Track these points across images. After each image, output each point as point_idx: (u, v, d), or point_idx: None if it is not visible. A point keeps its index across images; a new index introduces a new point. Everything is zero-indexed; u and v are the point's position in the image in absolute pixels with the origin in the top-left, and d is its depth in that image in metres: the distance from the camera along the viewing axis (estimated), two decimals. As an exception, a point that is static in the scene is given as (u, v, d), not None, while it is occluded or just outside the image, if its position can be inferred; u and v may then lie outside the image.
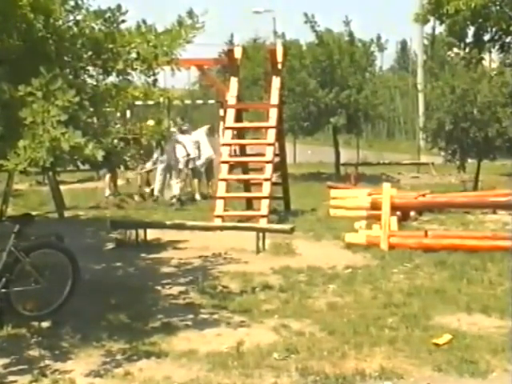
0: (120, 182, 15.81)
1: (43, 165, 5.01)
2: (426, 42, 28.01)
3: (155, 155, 14.29)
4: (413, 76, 29.68)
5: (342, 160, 21.09)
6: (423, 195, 11.67)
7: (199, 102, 26.23)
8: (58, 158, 5.19)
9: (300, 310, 6.78)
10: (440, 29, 21.72)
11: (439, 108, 16.13)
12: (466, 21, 17.74)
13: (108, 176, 15.25)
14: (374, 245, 9.54)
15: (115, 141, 6.61)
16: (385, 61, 43.96)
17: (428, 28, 26.62)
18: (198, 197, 14.83)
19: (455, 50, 18.97)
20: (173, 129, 14.06)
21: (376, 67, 22.53)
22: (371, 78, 20.40)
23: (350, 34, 19.77)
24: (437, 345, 5.70)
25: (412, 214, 11.86)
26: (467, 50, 18.24)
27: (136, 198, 14.68)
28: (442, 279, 7.88)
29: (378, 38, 21.37)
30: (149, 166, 14.76)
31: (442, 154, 16.72)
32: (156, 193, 14.24)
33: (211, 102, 24.97)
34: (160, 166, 14.25)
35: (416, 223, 11.64)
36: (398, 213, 10.91)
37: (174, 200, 13.82)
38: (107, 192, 15.18)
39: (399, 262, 8.72)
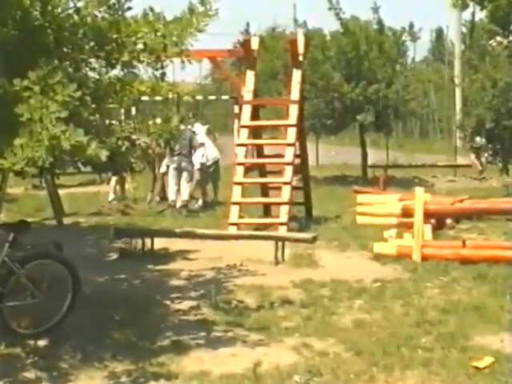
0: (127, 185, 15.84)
1: (42, 165, 5.04)
2: (464, 29, 27.88)
3: (167, 157, 14.32)
4: (449, 68, 29.61)
5: (370, 162, 21.05)
6: (461, 201, 11.60)
7: (212, 97, 26.33)
8: (57, 158, 5.22)
9: (323, 327, 6.76)
10: (480, 15, 21.59)
11: (479, 104, 16.08)
12: (510, 6, 17.63)
13: (114, 179, 15.31)
14: (405, 256, 9.49)
15: (119, 140, 6.64)
16: (418, 51, 43.93)
17: (467, 14, 26.53)
18: (200, 202, 14.86)
19: (498, 38, 18.84)
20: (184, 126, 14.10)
21: (408, 58, 22.56)
22: (402, 70, 20.38)
23: (379, 22, 19.76)
24: (477, 368, 5.66)
25: (448, 221, 11.80)
26: (511, 38, 18.12)
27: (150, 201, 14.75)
28: (481, 294, 7.83)
29: (411, 25, 21.52)
30: (163, 169, 14.79)
31: (473, 155, 16.61)
32: (171, 197, 14.21)
33: (225, 97, 25.09)
34: (171, 166, 14.25)
35: (452, 232, 11.58)
36: (433, 220, 10.86)
37: (181, 206, 13.88)
38: (111, 196, 15.24)
39: (434, 275, 8.67)
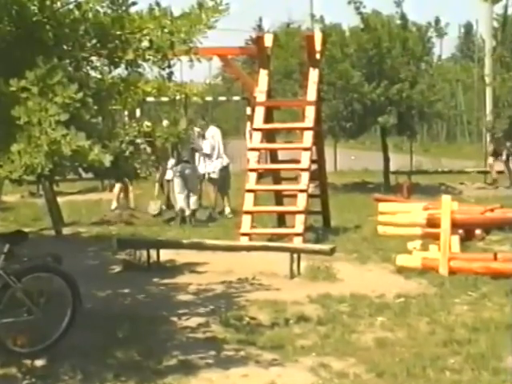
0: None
1: (41, 172, 5.05)
2: (495, 24, 27.75)
3: (171, 161, 14.30)
4: (479, 66, 29.45)
5: (392, 167, 21.01)
6: (491, 210, 11.56)
7: (222, 98, 26.37)
8: (57, 164, 5.23)
9: (342, 346, 6.74)
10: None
11: (511, 104, 16.01)
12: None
13: (118, 186, 15.32)
14: (431, 269, 9.47)
15: (124, 144, 6.66)
16: (444, 48, 43.73)
17: (499, 7, 26.40)
18: (228, 210, 14.88)
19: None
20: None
21: (434, 56, 22.45)
22: (428, 69, 20.33)
23: (403, 17, 19.73)
24: (509, 391, 5.63)
25: (477, 232, 11.76)
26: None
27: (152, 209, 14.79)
28: (514, 311, 7.80)
29: (437, 20, 21.34)
30: (170, 175, 14.82)
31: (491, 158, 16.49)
32: (181, 204, 14.19)
33: (236, 98, 25.13)
34: (176, 174, 14.25)
35: (482, 244, 11.53)
36: (461, 231, 10.82)
37: (189, 215, 13.91)
38: (114, 205, 15.27)
39: (462, 291, 8.64)
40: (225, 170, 15.21)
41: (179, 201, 14.21)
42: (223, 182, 15.21)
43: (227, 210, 14.92)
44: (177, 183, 14.23)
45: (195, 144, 14.25)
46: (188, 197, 14.10)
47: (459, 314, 7.75)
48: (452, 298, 8.39)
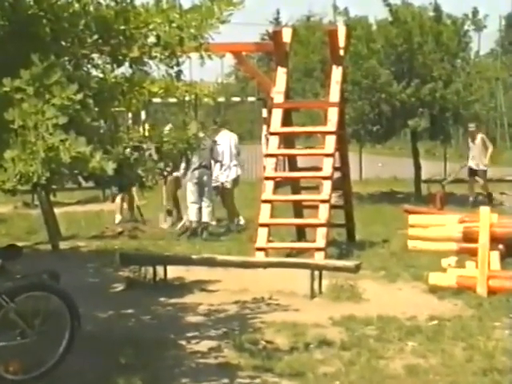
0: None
1: (37, 181, 5.07)
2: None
3: (183, 165, 14.28)
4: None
5: (424, 175, 20.96)
6: (535, 222, 11.48)
7: (235, 99, 26.45)
8: (55, 172, 5.25)
9: (369, 374, 6.73)
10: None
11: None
12: None
13: (120, 197, 15.36)
14: (467, 289, 9.43)
15: (128, 150, 6.68)
16: (483, 43, 43.70)
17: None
18: (242, 221, 14.89)
19: None
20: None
21: (471, 52, 22.39)
22: (464, 66, 20.28)
23: (436, 9, 19.74)
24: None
25: (519, 247, 11.69)
26: None
27: (164, 222, 14.82)
28: (561, 336, 7.76)
29: (474, 12, 21.44)
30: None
31: None
32: (193, 217, 14.20)
33: (251, 99, 25.19)
34: (191, 182, 14.25)
35: (525, 260, 11.48)
36: (501, 246, 10.76)
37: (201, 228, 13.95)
38: (118, 218, 15.29)
39: (502, 313, 8.61)
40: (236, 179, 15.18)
41: (191, 212, 14.19)
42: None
43: (239, 220, 14.93)
44: (192, 191, 14.19)
45: (214, 152, 14.30)
46: (201, 208, 14.10)
47: (500, 339, 7.71)
48: (491, 320, 8.35)
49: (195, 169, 14.04)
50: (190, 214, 14.24)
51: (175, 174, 14.48)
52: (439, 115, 19.12)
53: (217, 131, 15.03)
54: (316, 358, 7.15)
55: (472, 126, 18.79)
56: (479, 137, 18.78)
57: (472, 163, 19.01)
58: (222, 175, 14.95)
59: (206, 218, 14.16)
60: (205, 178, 14.14)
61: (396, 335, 7.82)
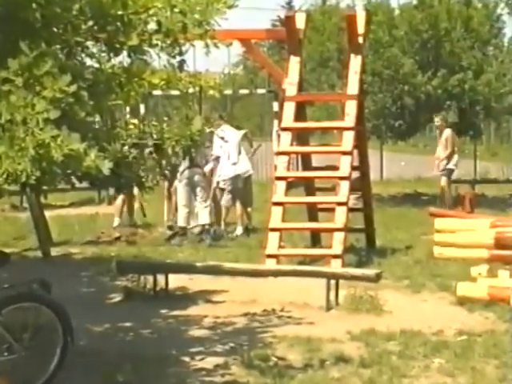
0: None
1: (26, 181, 5.08)
2: None
3: (183, 165, 14.31)
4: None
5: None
6: None
7: (243, 91, 26.46)
8: (45, 171, 5.26)
9: (391, 394, 6.73)
10: None
11: None
12: None
13: (121, 198, 15.35)
14: (500, 300, 9.39)
15: (126, 147, 6.68)
16: (517, 29, 43.49)
17: None
18: (240, 230, 14.89)
19: None
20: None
21: (504, 38, 22.36)
22: (496, 54, 20.27)
23: (465, -9, 19.74)
24: None
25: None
26: None
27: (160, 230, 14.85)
28: None
29: (509, -6, 21.25)
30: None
31: None
32: (180, 223, 14.29)
33: (261, 91, 25.20)
34: (182, 182, 14.27)
35: None
36: (536, 253, 10.75)
37: (200, 232, 13.94)
38: (116, 221, 15.29)
39: (538, 326, 8.59)
40: (241, 179, 15.09)
41: (180, 217, 14.20)
42: (243, 194, 15.19)
43: (239, 229, 14.92)
44: (182, 193, 14.20)
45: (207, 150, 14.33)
46: (191, 213, 14.10)
47: (535, 356, 7.70)
48: (526, 335, 8.34)
49: (185, 168, 14.05)
50: (179, 219, 14.25)
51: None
52: (469, 109, 19.13)
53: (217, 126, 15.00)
54: (332, 376, 7.14)
55: (437, 120, 18.34)
56: (445, 133, 18.19)
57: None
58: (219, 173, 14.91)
59: (204, 219, 14.13)
60: (196, 177, 14.13)
61: (421, 351, 7.80)
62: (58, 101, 5.24)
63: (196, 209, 14.35)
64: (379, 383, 6.97)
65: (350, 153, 12.15)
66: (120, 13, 6.16)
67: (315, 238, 13.10)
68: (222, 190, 15.01)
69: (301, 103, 12.88)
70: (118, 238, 14.26)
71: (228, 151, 14.93)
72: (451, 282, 10.18)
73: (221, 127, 15.06)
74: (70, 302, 7.37)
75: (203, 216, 14.21)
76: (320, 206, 13.10)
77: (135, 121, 7.72)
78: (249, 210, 15.36)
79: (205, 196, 14.34)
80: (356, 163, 12.87)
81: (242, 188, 15.12)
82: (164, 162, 7.39)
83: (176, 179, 14.65)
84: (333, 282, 9.54)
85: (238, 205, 15.09)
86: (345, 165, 12.06)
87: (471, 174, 23.09)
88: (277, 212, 11.85)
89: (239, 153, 15.11)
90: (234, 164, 14.98)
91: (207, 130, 12.48)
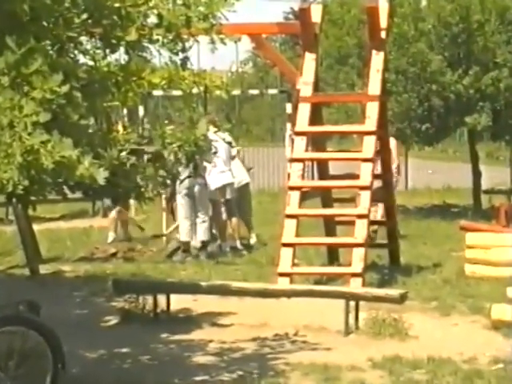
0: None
1: (12, 191, 5.09)
2: None
3: (183, 174, 14.29)
4: None
5: (485, 185, 20.92)
6: None
7: (253, 91, 26.48)
8: (34, 180, 5.27)
9: (417, 428, 6.73)
10: None
11: None
12: None
13: (116, 210, 15.37)
14: (539, 324, 9.39)
15: (123, 153, 6.69)
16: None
17: None
18: (239, 244, 14.90)
19: None
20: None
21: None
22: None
23: (500, -21, 19.70)
24: None
25: None
26: None
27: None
28: None
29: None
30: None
31: None
32: (183, 237, 14.27)
33: (272, 91, 25.23)
34: (182, 193, 14.25)
35: None
36: None
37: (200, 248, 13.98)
38: (111, 236, 15.31)
39: None
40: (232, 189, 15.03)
41: (182, 230, 14.18)
42: (240, 206, 15.17)
43: (238, 243, 14.93)
44: (182, 205, 14.18)
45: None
46: (195, 224, 14.11)
47: None
48: None
49: (184, 178, 14.01)
50: (181, 233, 14.23)
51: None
52: (504, 110, 19.07)
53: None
54: (352, 408, 7.16)
55: None
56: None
57: None
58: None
59: (201, 236, 14.13)
60: (196, 188, 14.09)
61: (451, 381, 7.80)
62: (48, 102, 5.26)
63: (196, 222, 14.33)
64: (404, 416, 6.98)
65: (371, 160, 12.13)
66: (117, 5, 6.19)
67: (333, 255, 13.09)
68: (213, 201, 14.93)
69: (317, 105, 12.88)
70: (114, 254, 14.28)
71: (215, 159, 14.88)
72: (484, 304, 10.16)
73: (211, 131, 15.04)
74: (61, 325, 7.38)
75: (200, 232, 14.19)
76: (338, 219, 13.08)
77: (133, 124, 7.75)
78: (248, 221, 15.38)
79: (204, 209, 14.30)
80: (378, 171, 12.85)
81: (235, 198, 15.11)
82: (165, 170, 7.39)
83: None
84: (352, 303, 9.53)
85: (234, 218, 15.11)
86: (366, 173, 12.04)
87: (507, 183, 23.04)
88: (290, 225, 11.84)
89: (230, 159, 15.03)
90: (222, 172, 14.89)
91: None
